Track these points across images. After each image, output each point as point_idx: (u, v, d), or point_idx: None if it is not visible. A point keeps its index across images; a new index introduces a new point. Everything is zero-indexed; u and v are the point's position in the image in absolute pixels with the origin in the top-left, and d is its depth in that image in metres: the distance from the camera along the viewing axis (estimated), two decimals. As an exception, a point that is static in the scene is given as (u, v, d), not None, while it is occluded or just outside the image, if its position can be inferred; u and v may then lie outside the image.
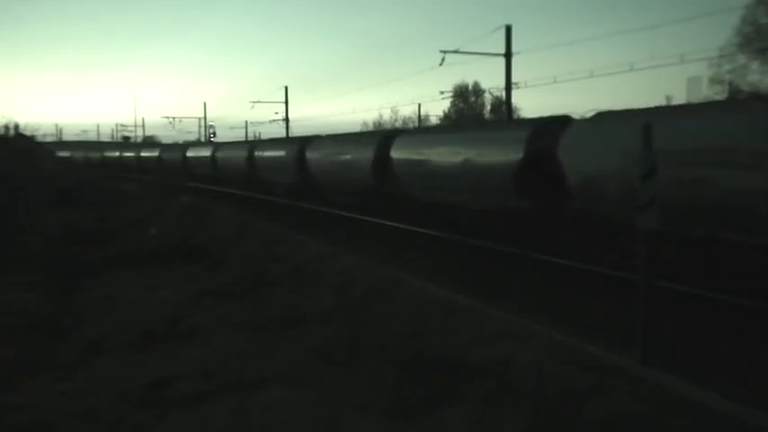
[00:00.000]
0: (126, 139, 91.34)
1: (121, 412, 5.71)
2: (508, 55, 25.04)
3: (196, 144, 51.72)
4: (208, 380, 6.26)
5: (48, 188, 25.36)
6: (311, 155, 24.98)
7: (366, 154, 20.70)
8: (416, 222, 17.41)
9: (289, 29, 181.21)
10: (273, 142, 30.42)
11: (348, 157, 22.12)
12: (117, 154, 62.77)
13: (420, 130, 33.20)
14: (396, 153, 19.27)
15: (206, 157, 39.31)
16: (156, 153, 51.45)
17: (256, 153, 31.00)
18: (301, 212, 23.04)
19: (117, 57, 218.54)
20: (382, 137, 20.84)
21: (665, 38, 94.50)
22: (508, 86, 25.57)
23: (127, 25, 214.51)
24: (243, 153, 32.74)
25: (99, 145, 79.37)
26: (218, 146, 40.32)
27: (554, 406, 4.67)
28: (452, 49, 25.50)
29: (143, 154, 55.02)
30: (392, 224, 18.17)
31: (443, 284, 8.83)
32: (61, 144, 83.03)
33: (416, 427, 4.96)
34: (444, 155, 16.93)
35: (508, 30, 24.94)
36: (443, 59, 25.69)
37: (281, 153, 27.85)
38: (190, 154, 43.27)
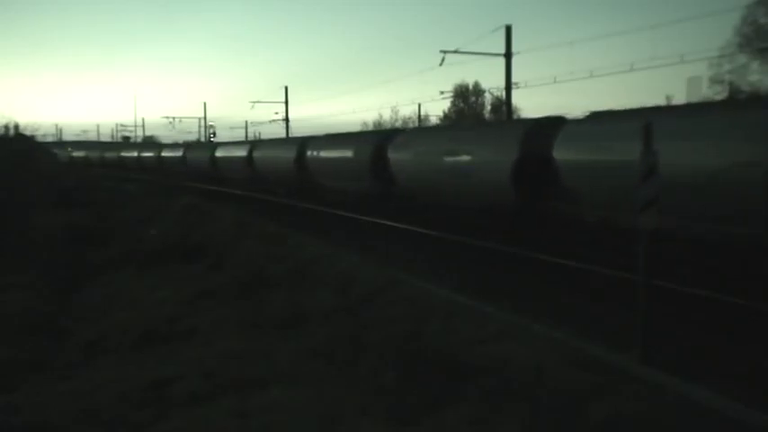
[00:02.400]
0: (126, 139, 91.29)
1: (121, 412, 5.70)
2: (508, 55, 25.07)
3: (227, 143, 45.33)
4: (208, 380, 6.25)
5: (48, 188, 25.35)
6: (397, 155, 19.78)
7: (503, 153, 14.92)
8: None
9: (289, 29, 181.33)
10: (334, 139, 25.60)
11: (467, 158, 16.31)
12: (135, 154, 59.08)
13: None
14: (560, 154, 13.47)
15: (240, 157, 34.34)
16: (179, 153, 47.27)
17: (309, 152, 26.15)
18: (300, 212, 22.99)
19: (117, 57, 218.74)
20: (530, 129, 14.91)
21: (665, 38, 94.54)
22: (508, 86, 25.60)
23: (127, 25, 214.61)
24: (289, 153, 27.98)
25: (116, 145, 77.24)
26: (256, 144, 35.31)
27: (554, 406, 4.67)
28: (452, 49, 25.59)
29: (165, 154, 50.97)
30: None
31: (443, 284, 8.84)
32: (76, 144, 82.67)
33: (417, 427, 4.96)
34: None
35: (508, 30, 24.97)
36: (443, 59, 25.77)
37: (346, 153, 22.91)
38: (219, 154, 38.50)
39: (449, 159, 16.97)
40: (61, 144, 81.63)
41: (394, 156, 19.87)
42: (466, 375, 5.38)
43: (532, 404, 4.72)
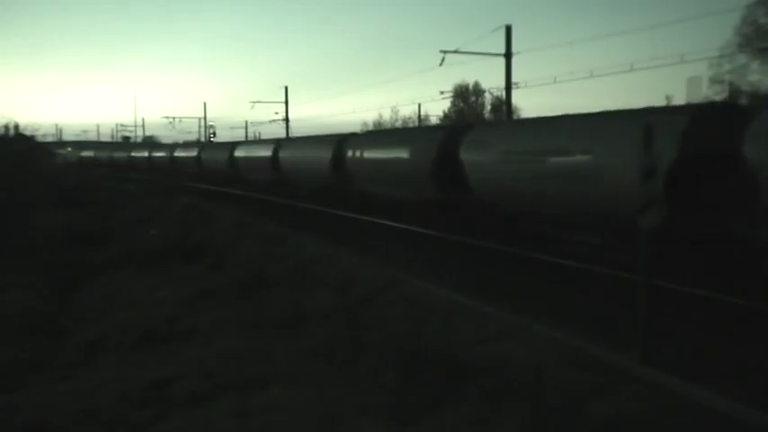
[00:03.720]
0: (126, 139, 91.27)
1: (121, 412, 5.70)
2: (508, 55, 25.05)
3: (248, 142, 41.08)
4: (208, 380, 6.25)
5: (48, 188, 25.38)
6: (473, 155, 15.79)
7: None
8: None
9: (289, 29, 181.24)
10: (383, 137, 21.94)
11: (584, 157, 13.01)
12: (146, 154, 56.04)
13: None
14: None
15: (263, 157, 30.63)
16: (193, 153, 43.80)
17: (350, 153, 22.04)
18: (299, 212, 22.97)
19: (117, 57, 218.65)
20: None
21: (665, 38, 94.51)
22: (508, 86, 25.58)
23: (127, 25, 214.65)
24: (323, 153, 24.30)
25: (126, 146, 75.06)
26: (282, 143, 31.11)
27: (554, 406, 4.67)
28: (452, 49, 25.53)
29: (178, 154, 47.85)
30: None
31: (443, 284, 8.84)
32: (84, 144, 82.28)
33: (417, 427, 4.96)
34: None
35: (508, 30, 24.95)
36: (443, 59, 25.71)
37: (401, 154, 18.89)
38: (240, 154, 34.86)
39: (555, 160, 13.17)
40: (61, 144, 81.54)
41: (468, 156, 15.91)
42: (466, 375, 5.38)
43: (532, 404, 4.72)
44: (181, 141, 69.53)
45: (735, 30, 32.60)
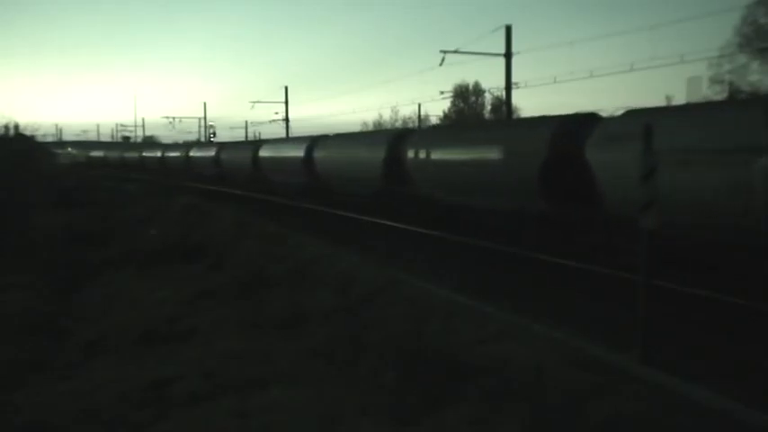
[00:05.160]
0: (126, 139, 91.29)
1: (121, 412, 5.70)
2: (508, 55, 25.06)
3: (275, 140, 35.47)
4: (208, 380, 6.25)
5: (48, 188, 25.38)
6: (608, 154, 11.69)
7: None
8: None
9: (288, 29, 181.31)
10: (456, 134, 18.73)
11: None
12: (159, 154, 52.96)
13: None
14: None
15: (294, 158, 26.64)
16: (211, 153, 40.14)
17: (411, 153, 18.50)
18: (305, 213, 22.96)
19: (117, 57, 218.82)
20: None
21: (665, 38, 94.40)
22: (508, 86, 25.59)
23: (127, 25, 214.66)
24: (374, 153, 20.47)
25: (138, 146, 72.68)
26: (318, 141, 26.23)
27: (554, 406, 4.67)
28: (452, 49, 25.55)
29: (194, 154, 44.44)
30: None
31: (443, 284, 8.83)
32: (94, 144, 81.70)
33: (417, 427, 4.96)
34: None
35: (508, 30, 24.96)
36: (443, 59, 25.74)
37: (488, 154, 15.16)
38: (265, 154, 30.79)
39: None
40: (61, 144, 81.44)
41: (600, 157, 11.92)
42: (466, 375, 5.38)
43: (532, 404, 4.72)
44: (180, 141, 69.43)
45: (735, 30, 32.64)
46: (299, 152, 26.52)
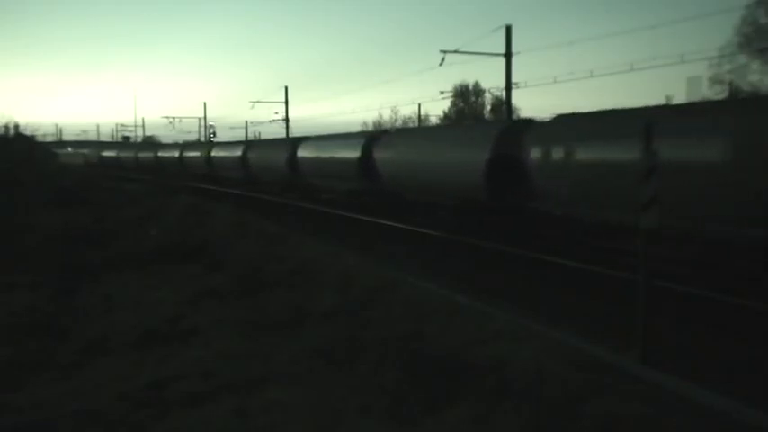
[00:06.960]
0: (126, 139, 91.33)
1: (121, 412, 5.70)
2: (508, 55, 25.07)
3: (317, 137, 28.96)
4: (208, 380, 6.25)
5: (48, 188, 25.35)
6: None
7: None
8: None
9: (288, 29, 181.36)
10: (597, 123, 13.74)
11: None
12: (176, 154, 49.46)
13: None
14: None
15: (345, 160, 22.48)
16: (237, 153, 35.96)
17: (539, 151, 14.35)
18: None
19: (117, 57, 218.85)
20: None
21: (665, 38, 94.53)
22: (508, 86, 25.60)
23: (127, 26, 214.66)
24: (470, 153, 16.37)
25: (153, 146, 69.65)
26: (375, 139, 22.23)
27: (554, 406, 4.67)
28: (452, 49, 25.56)
29: (216, 154, 40.71)
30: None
31: (443, 285, 8.84)
32: (105, 144, 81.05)
33: (416, 427, 4.96)
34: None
35: (508, 30, 24.97)
36: (443, 59, 25.75)
37: (624, 154, 11.24)
38: (305, 153, 26.82)
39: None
40: (62, 144, 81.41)
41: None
42: (466, 375, 5.38)
43: (532, 404, 4.72)
44: (181, 141, 69.31)
45: (735, 30, 32.70)
46: (353, 152, 22.16)
